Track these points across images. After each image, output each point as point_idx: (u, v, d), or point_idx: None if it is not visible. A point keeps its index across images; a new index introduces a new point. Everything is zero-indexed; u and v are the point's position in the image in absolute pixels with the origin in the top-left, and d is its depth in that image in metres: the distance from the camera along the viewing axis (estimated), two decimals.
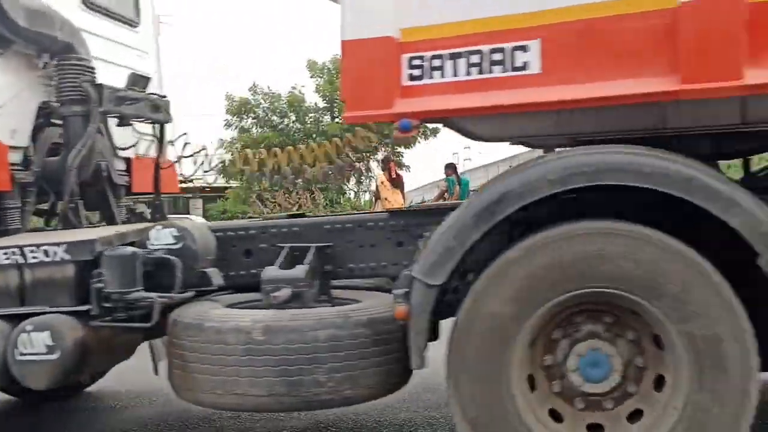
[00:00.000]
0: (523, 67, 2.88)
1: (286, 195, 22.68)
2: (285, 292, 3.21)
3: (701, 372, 2.63)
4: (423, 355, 2.89)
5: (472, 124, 3.56)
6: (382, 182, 14.24)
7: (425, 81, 3.02)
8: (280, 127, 27.74)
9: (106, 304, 3.25)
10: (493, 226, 2.86)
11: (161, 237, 3.44)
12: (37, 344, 3.23)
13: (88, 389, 5.16)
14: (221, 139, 27.63)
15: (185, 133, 4.56)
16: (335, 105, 26.44)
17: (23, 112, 4.12)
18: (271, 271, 3.35)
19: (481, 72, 2.94)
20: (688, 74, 2.62)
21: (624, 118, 3.15)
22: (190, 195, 31.05)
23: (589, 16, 2.76)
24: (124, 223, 4.58)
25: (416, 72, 3.03)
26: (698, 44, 2.60)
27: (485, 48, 2.93)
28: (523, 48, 2.87)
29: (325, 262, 3.66)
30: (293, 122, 27.99)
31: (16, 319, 3.34)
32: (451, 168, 15.44)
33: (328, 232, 3.71)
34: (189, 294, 3.38)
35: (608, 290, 2.72)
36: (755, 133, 3.26)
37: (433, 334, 3.13)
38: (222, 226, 3.87)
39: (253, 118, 27.91)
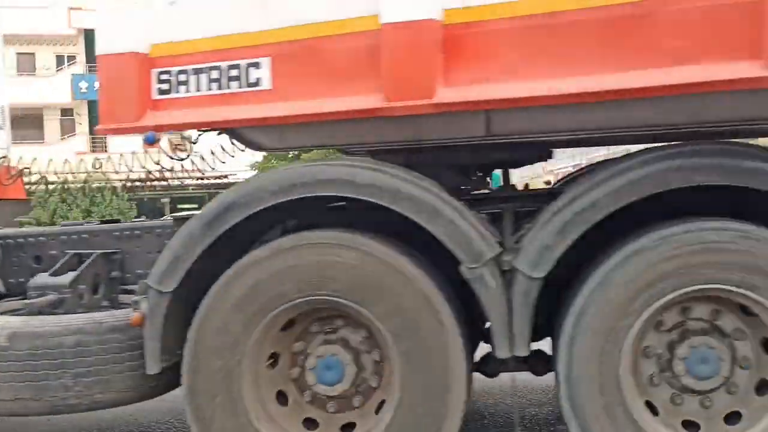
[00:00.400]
0: (257, 83, 3.00)
1: None
2: (45, 299, 3.29)
3: (411, 373, 2.81)
4: (159, 360, 2.99)
5: (252, 134, 3.67)
6: None
7: (173, 95, 3.13)
8: None
9: None
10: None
11: None
12: None
13: None
14: None
15: None
16: None
17: None
18: (38, 278, 3.43)
19: (220, 87, 3.06)
20: (390, 92, 2.77)
21: (383, 130, 3.28)
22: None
23: (309, 36, 2.90)
24: None
25: (164, 86, 3.14)
26: (397, 64, 2.75)
27: (224, 64, 3.05)
28: (256, 65, 3.00)
29: (113, 269, 3.76)
30: None
31: None
32: None
33: (116, 239, 3.80)
34: None
35: (327, 298, 2.85)
36: (502, 145, 3.44)
37: None
38: (10, 233, 3.92)
39: None
